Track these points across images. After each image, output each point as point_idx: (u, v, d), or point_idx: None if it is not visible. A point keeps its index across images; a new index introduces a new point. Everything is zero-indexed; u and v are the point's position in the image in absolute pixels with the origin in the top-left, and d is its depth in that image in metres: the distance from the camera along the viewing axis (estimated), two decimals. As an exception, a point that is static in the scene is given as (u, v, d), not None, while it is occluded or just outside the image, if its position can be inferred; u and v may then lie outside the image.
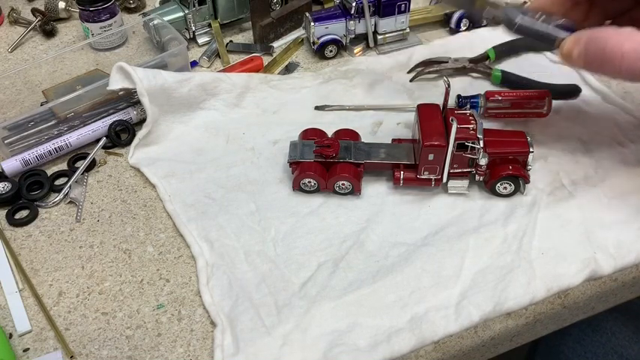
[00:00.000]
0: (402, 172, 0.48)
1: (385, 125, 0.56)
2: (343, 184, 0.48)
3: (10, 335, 0.42)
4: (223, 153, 0.54)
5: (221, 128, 0.56)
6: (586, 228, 0.46)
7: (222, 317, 0.41)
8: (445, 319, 0.41)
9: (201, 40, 0.67)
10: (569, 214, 0.47)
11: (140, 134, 0.54)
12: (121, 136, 0.56)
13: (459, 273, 0.43)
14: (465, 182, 0.49)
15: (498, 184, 0.48)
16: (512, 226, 0.46)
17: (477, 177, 0.48)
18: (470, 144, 0.46)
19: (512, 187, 0.48)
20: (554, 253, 0.45)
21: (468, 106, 0.56)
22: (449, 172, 0.47)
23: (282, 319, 0.41)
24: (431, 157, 0.46)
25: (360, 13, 0.63)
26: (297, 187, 0.49)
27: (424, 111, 0.48)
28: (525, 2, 0.73)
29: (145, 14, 0.67)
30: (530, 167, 0.48)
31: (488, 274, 0.43)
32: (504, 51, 0.63)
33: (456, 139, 0.45)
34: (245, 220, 0.48)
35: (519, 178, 0.48)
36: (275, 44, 0.67)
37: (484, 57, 0.62)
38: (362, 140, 0.52)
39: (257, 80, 0.60)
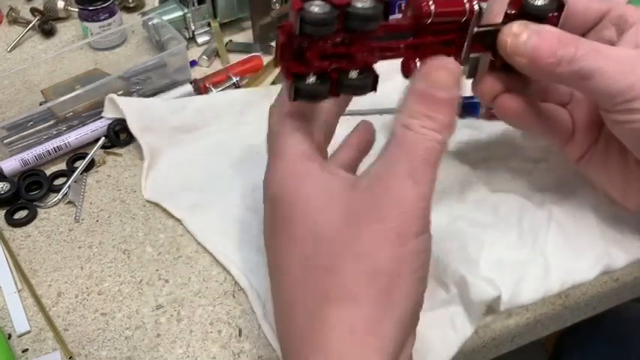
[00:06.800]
0: None
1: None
2: None
3: (9, 336, 0.42)
4: (241, 175, 0.51)
5: (232, 150, 0.54)
6: (599, 221, 0.45)
7: None
8: None
9: (200, 40, 0.67)
10: (583, 207, 0.46)
11: (145, 166, 0.52)
12: (120, 135, 0.56)
13: (477, 265, 0.42)
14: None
15: None
16: (527, 219, 0.46)
17: None
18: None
19: None
20: (569, 247, 0.44)
21: None
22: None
23: None
24: None
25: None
26: None
27: None
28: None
29: (144, 13, 0.67)
30: None
31: (504, 266, 0.43)
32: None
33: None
34: None
35: None
36: (275, 44, 0.67)
37: (484, 56, 0.62)
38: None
39: (258, 95, 0.58)
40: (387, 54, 0.36)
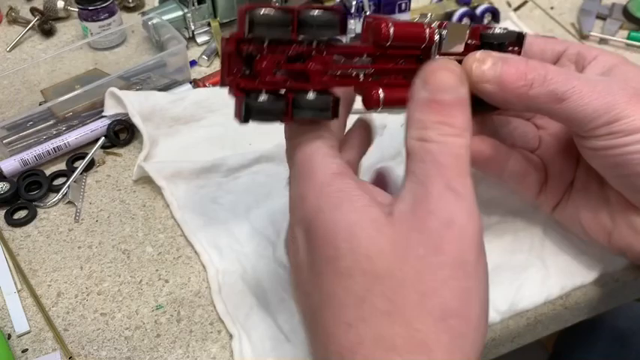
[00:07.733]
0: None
1: (389, 128, 0.55)
2: None
3: (9, 336, 0.42)
4: (232, 163, 0.52)
5: (226, 142, 0.54)
6: None
7: (238, 327, 0.40)
8: None
9: (200, 40, 0.67)
10: None
11: (141, 156, 0.52)
12: (119, 135, 0.56)
13: None
14: None
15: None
16: (522, 223, 0.45)
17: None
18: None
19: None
20: (567, 250, 0.44)
21: None
22: None
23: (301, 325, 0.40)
24: None
25: (360, 12, 0.63)
26: None
27: None
28: (526, 1, 0.73)
29: (144, 13, 0.67)
30: None
31: (502, 272, 0.42)
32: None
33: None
34: (255, 224, 0.47)
35: None
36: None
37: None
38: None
39: None
40: (346, 81, 0.33)
